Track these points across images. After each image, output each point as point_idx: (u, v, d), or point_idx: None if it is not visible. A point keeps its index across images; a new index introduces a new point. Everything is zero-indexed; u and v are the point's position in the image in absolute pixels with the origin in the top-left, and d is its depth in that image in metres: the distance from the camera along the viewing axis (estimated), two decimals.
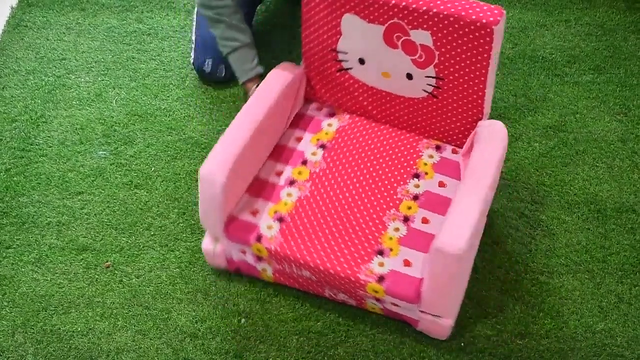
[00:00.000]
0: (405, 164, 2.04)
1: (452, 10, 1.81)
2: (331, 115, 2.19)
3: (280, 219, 1.93)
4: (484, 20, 1.78)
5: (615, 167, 2.28)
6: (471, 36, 1.82)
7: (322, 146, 2.10)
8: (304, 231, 1.90)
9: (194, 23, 2.59)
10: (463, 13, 1.80)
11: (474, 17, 1.79)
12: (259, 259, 1.94)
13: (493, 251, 2.08)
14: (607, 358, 1.87)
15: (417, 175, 2.01)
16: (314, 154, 2.08)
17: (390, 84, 2.05)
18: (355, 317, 1.95)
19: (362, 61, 2.04)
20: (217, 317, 1.96)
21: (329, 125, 2.16)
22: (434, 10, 1.83)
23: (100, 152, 2.34)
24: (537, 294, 1.99)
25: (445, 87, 1.95)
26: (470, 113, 1.98)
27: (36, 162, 2.32)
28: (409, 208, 1.94)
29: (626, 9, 2.83)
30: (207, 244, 1.99)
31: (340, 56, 2.07)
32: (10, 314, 1.98)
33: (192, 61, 2.56)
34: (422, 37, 1.89)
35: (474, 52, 1.85)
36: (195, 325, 1.94)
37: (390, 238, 1.88)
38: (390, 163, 2.05)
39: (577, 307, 1.97)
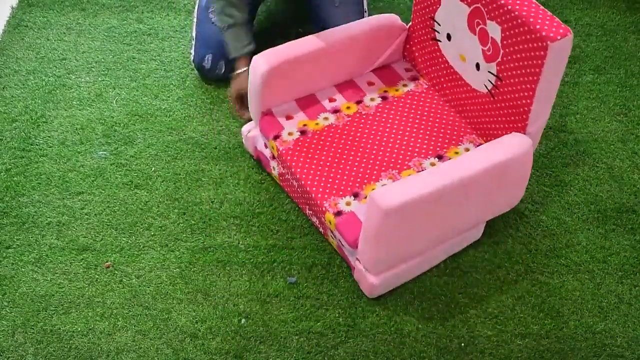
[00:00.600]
0: (439, 144, 2.06)
1: (524, 12, 1.78)
2: (413, 79, 2.25)
3: (303, 132, 2.09)
4: (543, 33, 1.73)
5: (616, 168, 2.28)
6: (530, 45, 1.79)
7: (384, 98, 2.19)
8: (313, 150, 2.04)
9: (195, 20, 2.59)
10: (531, 19, 1.76)
11: (538, 26, 1.75)
12: (273, 157, 2.16)
13: (493, 251, 2.08)
14: (607, 358, 1.87)
15: (440, 157, 2.02)
16: (372, 99, 2.19)
17: (464, 68, 2.05)
18: (356, 318, 1.95)
19: (449, 37, 2.06)
20: (217, 317, 1.96)
21: (404, 85, 2.23)
22: (509, 6, 1.81)
23: (101, 152, 2.34)
24: (538, 294, 2.00)
25: (501, 89, 1.94)
26: (512, 125, 1.95)
27: (36, 162, 2.32)
28: (408, 175, 1.97)
29: (626, 9, 2.83)
30: (246, 127, 2.27)
31: (435, 26, 2.10)
32: (11, 314, 1.98)
33: (192, 58, 2.56)
34: (494, 29, 1.88)
35: (529, 62, 1.81)
36: (195, 326, 1.94)
37: (373, 189, 1.93)
38: (427, 137, 2.08)
39: (577, 308, 1.97)
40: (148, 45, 2.71)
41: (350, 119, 2.13)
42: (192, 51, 2.56)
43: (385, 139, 2.08)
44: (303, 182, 1.99)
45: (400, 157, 2.03)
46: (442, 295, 2.00)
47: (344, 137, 2.09)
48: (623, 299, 1.99)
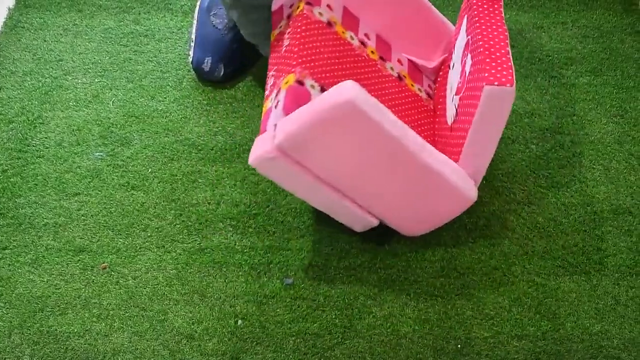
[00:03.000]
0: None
1: (487, 52, 1.78)
2: (427, 95, 2.25)
3: (329, 24, 2.09)
4: (485, 74, 1.72)
5: (612, 169, 2.28)
6: (476, 84, 1.77)
7: (400, 78, 2.21)
8: (324, 38, 2.04)
9: (194, 22, 2.59)
10: (487, 60, 1.76)
11: (487, 67, 1.74)
12: (289, 16, 2.11)
13: (490, 253, 2.08)
14: None
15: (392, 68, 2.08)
16: (392, 68, 2.20)
17: (449, 99, 2.04)
18: (352, 319, 1.95)
19: (452, 66, 2.08)
20: (214, 318, 1.96)
21: (419, 90, 2.24)
22: (482, 42, 1.81)
23: (97, 154, 2.34)
24: (534, 296, 2.00)
25: (455, 125, 1.92)
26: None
27: (33, 164, 2.32)
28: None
29: (623, 11, 2.83)
30: None
31: (453, 54, 2.13)
32: (7, 315, 1.97)
33: (190, 60, 2.56)
34: (468, 63, 1.88)
35: (471, 102, 1.79)
36: (192, 327, 1.94)
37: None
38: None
39: (573, 309, 1.97)
40: (145, 46, 2.70)
41: (367, 58, 2.13)
42: (191, 53, 2.55)
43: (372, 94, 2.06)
44: (291, 42, 1.99)
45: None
46: (438, 296, 2.00)
47: (351, 59, 2.08)
48: (619, 301, 1.99)
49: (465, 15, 2.02)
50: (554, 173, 2.28)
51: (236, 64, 2.54)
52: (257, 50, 2.43)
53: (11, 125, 2.43)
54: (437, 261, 2.09)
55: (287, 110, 1.81)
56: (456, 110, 1.91)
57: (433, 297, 2.00)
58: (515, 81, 1.73)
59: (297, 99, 1.83)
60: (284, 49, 2.03)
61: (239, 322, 1.96)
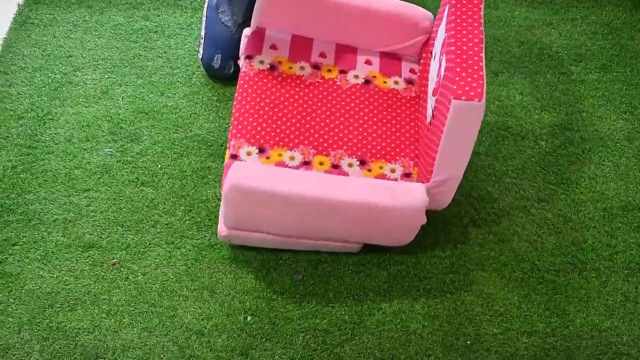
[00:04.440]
0: (372, 151, 2.05)
1: (459, 60, 1.77)
2: (409, 82, 2.21)
3: (272, 67, 2.15)
4: (454, 86, 1.71)
5: (622, 166, 2.28)
6: (446, 91, 1.76)
7: (367, 81, 2.18)
8: (266, 87, 2.10)
9: (204, 19, 2.59)
10: (458, 69, 1.75)
11: (457, 77, 1.73)
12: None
13: (500, 249, 2.08)
14: (612, 356, 1.87)
15: (363, 162, 2.02)
16: (356, 76, 2.19)
17: (430, 90, 2.02)
18: (362, 315, 1.95)
19: (434, 56, 2.06)
20: (223, 314, 1.96)
21: (395, 82, 2.21)
22: (454, 46, 1.81)
23: (107, 150, 2.35)
24: (544, 292, 1.99)
25: (431, 127, 1.90)
26: (425, 169, 1.92)
27: (42, 159, 2.32)
28: (320, 160, 2.01)
29: (632, 7, 2.83)
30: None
31: (435, 40, 2.10)
32: (17, 311, 1.98)
33: (200, 57, 2.56)
34: (443, 64, 1.86)
35: (443, 109, 1.77)
36: (201, 323, 1.94)
37: (279, 154, 1.99)
38: (368, 139, 2.07)
39: (583, 306, 1.97)
40: (154, 42, 2.71)
41: (321, 81, 2.13)
42: (201, 50, 2.56)
43: (332, 118, 2.07)
44: (233, 111, 2.05)
45: (329, 141, 2.02)
46: (448, 292, 2.00)
47: (301, 93, 2.09)
48: (629, 297, 1.99)
49: (447, 5, 1.97)
50: (564, 169, 2.27)
51: None
52: None
53: (21, 121, 2.44)
54: (446, 257, 2.08)
55: (224, 190, 1.90)
56: (432, 112, 1.90)
57: (442, 294, 2.00)
58: (484, 94, 1.71)
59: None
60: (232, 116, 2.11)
61: (249, 318, 1.96)
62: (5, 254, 2.10)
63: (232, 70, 2.50)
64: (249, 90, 2.05)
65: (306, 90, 2.09)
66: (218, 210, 2.18)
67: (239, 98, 2.05)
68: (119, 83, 2.55)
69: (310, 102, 2.07)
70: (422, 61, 2.23)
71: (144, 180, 2.26)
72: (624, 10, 2.82)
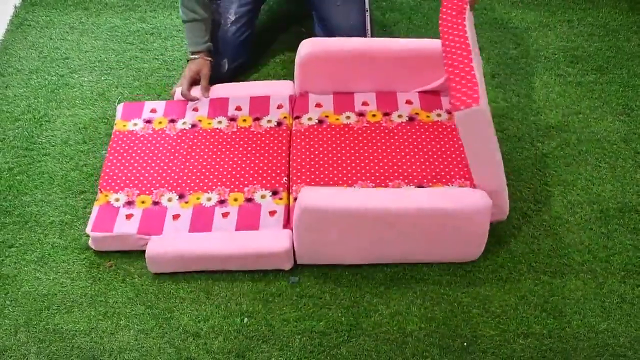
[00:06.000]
0: (429, 176, 2.10)
1: (450, 67, 1.84)
2: (451, 112, 2.27)
3: (321, 121, 2.26)
4: (452, 100, 1.79)
5: (618, 167, 2.28)
6: (451, 108, 1.86)
7: (411, 119, 2.26)
8: (317, 140, 2.21)
9: None
10: (453, 83, 1.81)
11: (452, 91, 1.80)
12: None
13: (496, 251, 2.08)
14: (609, 358, 1.87)
15: (420, 187, 2.06)
16: (400, 116, 2.26)
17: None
18: (359, 317, 1.95)
19: None
20: (220, 316, 1.96)
21: (438, 115, 2.27)
22: (445, 53, 1.88)
23: (103, 152, 2.34)
24: (540, 294, 1.99)
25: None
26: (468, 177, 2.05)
27: (39, 161, 2.32)
28: None
29: (629, 9, 2.83)
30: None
31: None
32: (13, 312, 1.98)
33: None
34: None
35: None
36: (198, 325, 1.94)
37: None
38: (423, 167, 2.12)
39: (579, 307, 1.97)
40: (151, 44, 2.71)
41: (368, 125, 2.22)
42: None
43: (384, 154, 2.15)
44: (291, 162, 2.15)
45: (385, 174, 2.10)
46: (444, 294, 2.00)
47: (351, 138, 2.18)
48: (625, 299, 1.99)
49: None
50: (560, 171, 2.27)
51: (240, 59, 2.54)
52: (262, 45, 2.44)
53: (17, 124, 2.44)
54: None
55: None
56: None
57: (439, 295, 2.00)
58: (482, 97, 1.75)
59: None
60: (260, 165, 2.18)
61: (245, 320, 1.96)
62: (1, 256, 2.10)
63: (225, 69, 2.50)
64: (302, 143, 2.17)
65: (356, 135, 2.20)
66: None
67: (294, 151, 2.17)
68: (116, 85, 2.55)
69: (361, 144, 2.17)
70: None
71: None
72: (620, 12, 2.82)
